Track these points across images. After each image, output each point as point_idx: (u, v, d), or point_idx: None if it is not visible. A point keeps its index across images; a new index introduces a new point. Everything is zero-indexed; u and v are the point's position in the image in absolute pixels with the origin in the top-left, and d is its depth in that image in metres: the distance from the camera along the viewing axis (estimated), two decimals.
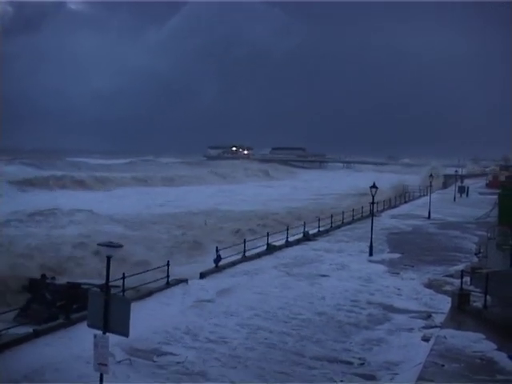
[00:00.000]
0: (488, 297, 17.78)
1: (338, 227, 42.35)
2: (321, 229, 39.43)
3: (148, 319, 18.12)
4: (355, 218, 46.45)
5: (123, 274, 19.60)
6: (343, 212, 44.34)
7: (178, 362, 15.06)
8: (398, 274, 27.09)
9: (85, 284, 23.09)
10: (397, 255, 31.99)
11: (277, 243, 33.13)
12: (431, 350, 14.52)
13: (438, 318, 19.06)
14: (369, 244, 31.92)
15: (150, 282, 22.05)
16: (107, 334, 10.22)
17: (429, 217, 49.52)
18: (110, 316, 10.15)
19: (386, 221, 46.86)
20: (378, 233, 36.16)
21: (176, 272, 24.74)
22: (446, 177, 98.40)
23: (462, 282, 19.40)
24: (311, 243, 35.48)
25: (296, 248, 33.70)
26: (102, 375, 10.42)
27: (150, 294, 21.44)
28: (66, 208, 50.48)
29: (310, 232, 37.55)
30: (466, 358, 13.90)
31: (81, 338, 14.76)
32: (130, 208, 56.85)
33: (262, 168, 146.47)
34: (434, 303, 21.77)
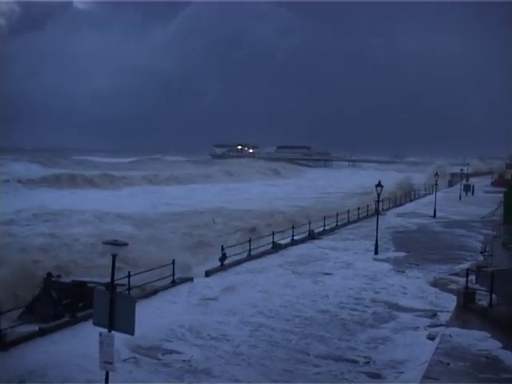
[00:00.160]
0: (493, 295, 17.77)
1: (344, 225, 42.31)
2: (326, 227, 39.42)
3: (153, 317, 18.19)
4: (361, 216, 46.42)
5: (128, 272, 19.67)
6: (348, 211, 44.29)
7: (184, 361, 15.10)
8: (403, 272, 27.05)
9: (90, 282, 23.12)
10: (402, 254, 31.92)
11: (282, 242, 33.20)
12: (436, 348, 14.52)
13: (444, 317, 19.02)
14: (374, 242, 31.89)
15: (155, 281, 22.12)
16: (113, 332, 10.25)
17: (434, 215, 49.41)
18: (115, 314, 10.17)
19: (391, 219, 46.77)
20: (383, 231, 36.11)
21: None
22: (452, 175, 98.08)
23: (467, 281, 19.38)
24: (317, 241, 35.46)
25: (301, 246, 33.70)
26: (107, 373, 10.46)
27: (155, 292, 21.50)
28: (75, 207, 50.65)
29: (316, 231, 37.55)
30: (472, 356, 13.90)
31: (86, 336, 14.80)
32: (141, 207, 56.97)
33: (271, 167, 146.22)
34: (439, 302, 21.71)
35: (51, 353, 15.06)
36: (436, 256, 31.30)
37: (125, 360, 14.59)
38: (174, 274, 22.97)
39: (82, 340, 15.32)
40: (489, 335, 15.37)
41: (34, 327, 16.92)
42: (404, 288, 23.85)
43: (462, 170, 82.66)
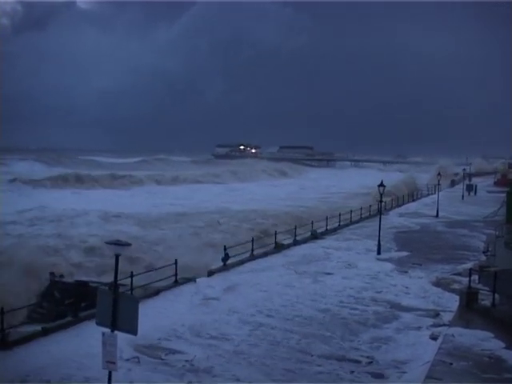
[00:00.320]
0: (496, 295, 17.74)
1: (347, 225, 42.31)
2: (329, 227, 39.41)
3: (156, 317, 18.21)
4: (363, 216, 46.41)
5: (131, 272, 19.71)
6: (351, 211, 44.26)
7: (187, 360, 15.12)
8: (405, 272, 27.04)
9: (93, 282, 23.19)
10: (405, 253, 31.91)
11: (285, 242, 33.21)
12: (439, 348, 14.50)
13: (446, 317, 19.01)
14: (377, 242, 31.88)
15: (158, 281, 22.15)
16: (115, 332, 10.27)
17: (437, 215, 49.40)
18: (118, 314, 10.18)
19: (394, 219, 46.78)
20: (385, 231, 36.12)
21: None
22: (455, 175, 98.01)
23: (470, 281, 19.35)
24: (319, 241, 35.47)
25: (304, 246, 33.70)
26: (110, 373, 10.47)
27: (157, 292, 21.52)
28: (79, 207, 50.91)
29: (319, 230, 37.54)
30: (474, 356, 13.88)
31: (89, 336, 14.83)
32: (153, 207, 57.10)
33: (277, 167, 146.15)
34: (442, 301, 21.71)
35: (54, 352, 15.10)
36: (439, 256, 31.29)
37: (127, 360, 14.61)
38: (176, 274, 23.00)
39: (85, 340, 15.36)
40: (492, 335, 15.34)
41: (37, 327, 16.96)
42: (407, 288, 23.84)
43: (464, 169, 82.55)
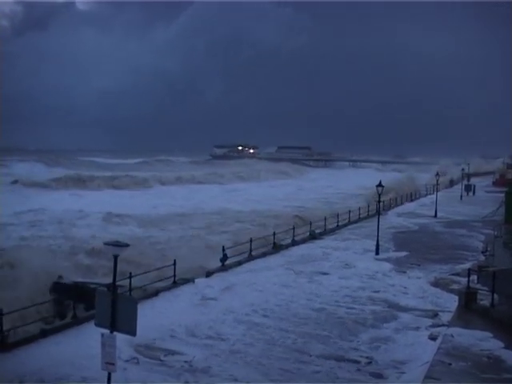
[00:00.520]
0: (495, 295, 17.73)
1: (345, 226, 42.32)
2: (327, 227, 39.40)
3: (154, 318, 18.21)
4: (361, 216, 46.42)
5: (130, 273, 19.70)
6: (350, 211, 44.26)
7: (186, 361, 15.12)
8: (404, 272, 27.04)
9: (92, 283, 23.14)
10: (403, 254, 31.92)
11: (283, 242, 33.20)
12: (438, 348, 14.50)
13: (445, 317, 19.03)
14: (375, 242, 31.87)
15: (157, 282, 22.15)
16: (114, 333, 10.26)
17: (435, 215, 49.40)
18: (117, 315, 10.18)
19: (392, 219, 46.79)
20: (384, 231, 36.08)
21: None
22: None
23: (468, 281, 19.33)
24: (318, 241, 35.48)
25: (302, 246, 33.71)
26: (109, 374, 10.47)
27: (156, 293, 21.53)
28: (77, 208, 50.90)
29: (317, 231, 37.54)
30: (473, 356, 13.88)
31: (88, 337, 14.81)
32: (153, 208, 57.20)
33: (277, 168, 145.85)
34: (440, 302, 21.72)
35: (53, 353, 15.09)
36: (437, 256, 31.30)
37: (127, 361, 14.61)
38: (175, 275, 23.01)
39: (84, 341, 15.34)
40: (490, 335, 15.34)
41: (36, 328, 16.93)
42: (405, 288, 23.84)
43: (463, 169, 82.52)
